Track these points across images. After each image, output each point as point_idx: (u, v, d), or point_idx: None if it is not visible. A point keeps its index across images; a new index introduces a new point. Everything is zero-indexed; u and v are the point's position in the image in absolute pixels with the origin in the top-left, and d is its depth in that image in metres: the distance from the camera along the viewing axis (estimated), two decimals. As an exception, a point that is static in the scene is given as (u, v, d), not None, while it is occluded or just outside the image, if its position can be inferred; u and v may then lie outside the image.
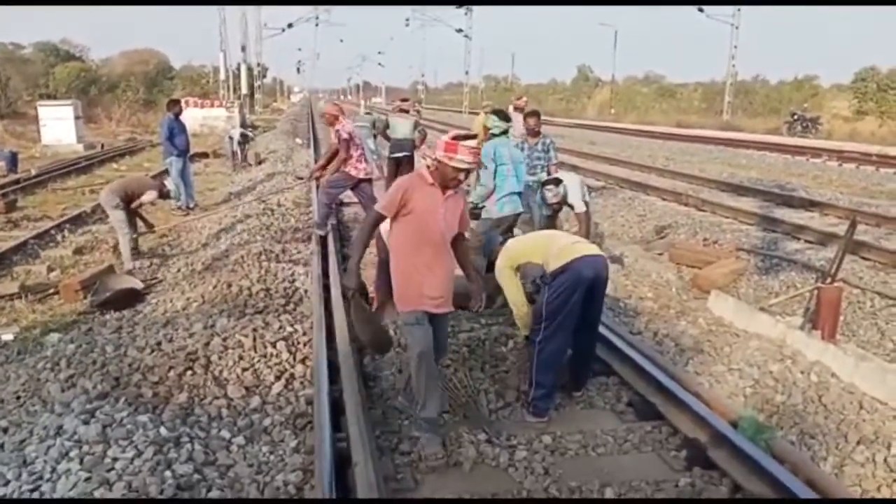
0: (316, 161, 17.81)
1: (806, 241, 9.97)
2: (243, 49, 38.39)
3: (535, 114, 8.55)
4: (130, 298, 7.18)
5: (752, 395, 4.60)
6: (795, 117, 31.80)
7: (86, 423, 3.85)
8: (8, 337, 6.10)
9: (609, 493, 3.58)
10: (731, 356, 5.05)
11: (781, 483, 3.41)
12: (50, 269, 8.38)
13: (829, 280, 7.11)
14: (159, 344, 4.89)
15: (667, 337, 5.64)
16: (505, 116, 7.33)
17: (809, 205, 12.79)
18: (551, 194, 7.05)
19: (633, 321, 6.13)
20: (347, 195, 9.34)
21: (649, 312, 6.36)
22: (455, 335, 5.45)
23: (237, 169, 17.72)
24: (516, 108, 11.95)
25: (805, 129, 30.46)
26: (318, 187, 12.72)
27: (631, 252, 9.15)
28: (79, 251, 9.28)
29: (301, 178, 15.20)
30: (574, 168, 15.73)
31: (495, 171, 6.83)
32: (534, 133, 8.40)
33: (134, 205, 8.46)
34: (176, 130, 12.00)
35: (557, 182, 7.18)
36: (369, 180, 8.55)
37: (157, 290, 7.60)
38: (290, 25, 46.89)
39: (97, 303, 7.01)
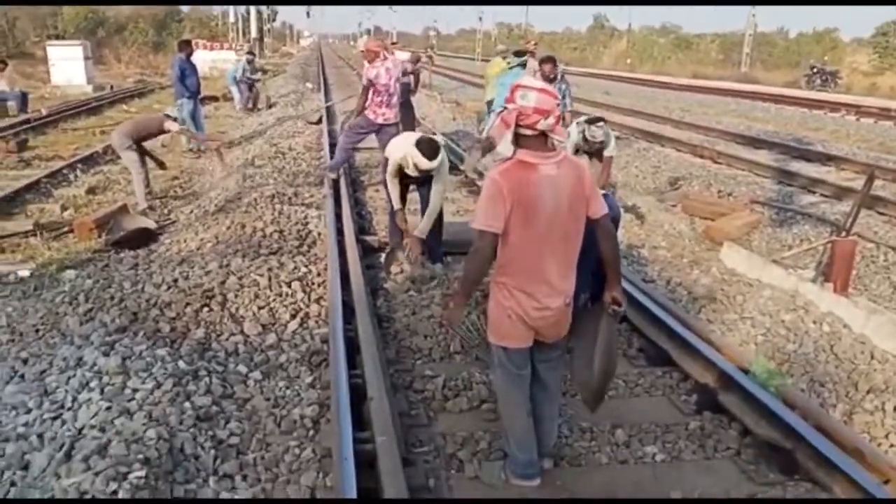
0: (328, 107, 17.78)
1: (821, 195, 9.89)
2: (253, -8, 37.69)
3: (551, 60, 8.46)
4: (144, 238, 7.21)
5: (763, 343, 4.63)
6: (815, 70, 31.23)
7: (105, 355, 3.91)
8: (24, 273, 6.15)
9: (620, 434, 3.63)
10: (743, 305, 5.06)
11: (791, 428, 3.45)
12: (63, 208, 8.41)
13: (843, 233, 7.08)
14: (176, 281, 4.93)
15: (679, 285, 5.65)
16: (520, 54, 7.79)
17: (826, 159, 12.65)
18: (601, 132, 6.96)
19: (645, 269, 6.13)
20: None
21: (662, 261, 6.36)
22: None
23: (246, 105, 17.68)
24: (526, 52, 11.89)
25: (824, 83, 29.94)
26: (330, 132, 12.70)
27: (644, 202, 9.09)
28: (91, 191, 9.30)
29: (312, 123, 15.12)
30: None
31: None
32: (548, 80, 8.34)
33: (162, 138, 8.43)
34: (187, 71, 11.87)
35: (603, 121, 7.13)
36: (394, 125, 8.45)
37: (171, 230, 7.63)
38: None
39: (111, 241, 7.05)
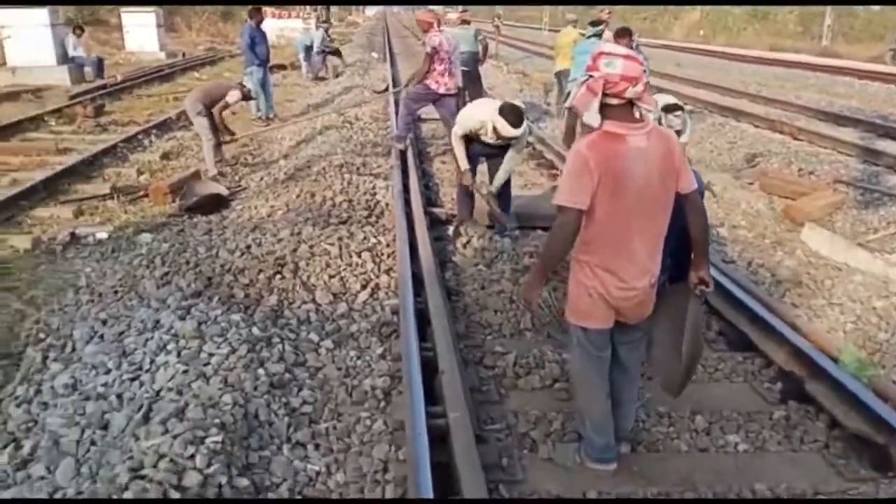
0: (394, 77, 17.72)
1: (910, 177, 9.33)
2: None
3: (627, 32, 8.22)
4: (217, 204, 7.32)
5: (853, 331, 4.39)
6: (902, 44, 29.50)
7: (182, 318, 3.97)
8: (103, 235, 6.31)
9: (699, 421, 3.50)
10: (831, 290, 4.82)
11: (884, 421, 3.26)
12: (139, 173, 8.61)
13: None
14: (249, 248, 4.97)
15: (762, 267, 5.41)
16: (596, 23, 9.01)
17: (916, 138, 11.96)
18: (679, 121, 6.71)
19: (725, 249, 5.90)
20: (427, 112, 9.20)
21: (742, 241, 6.11)
22: (538, 255, 5.37)
23: (317, 75, 17.82)
24: (600, 21, 11.60)
25: (913, 58, 28.27)
26: (397, 103, 12.63)
27: (720, 180, 8.76)
28: (165, 156, 9.48)
29: (378, 92, 15.07)
30: (658, 91, 15.07)
31: None
32: None
33: (218, 107, 8.49)
34: (257, 39, 11.92)
35: (681, 109, 6.86)
36: (454, 95, 8.33)
37: (241, 196, 7.72)
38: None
39: (185, 207, 7.17)
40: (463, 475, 2.79)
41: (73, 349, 4.05)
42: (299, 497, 2.93)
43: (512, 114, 5.28)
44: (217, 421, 3.06)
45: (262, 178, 8.40)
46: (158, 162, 9.20)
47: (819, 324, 4.48)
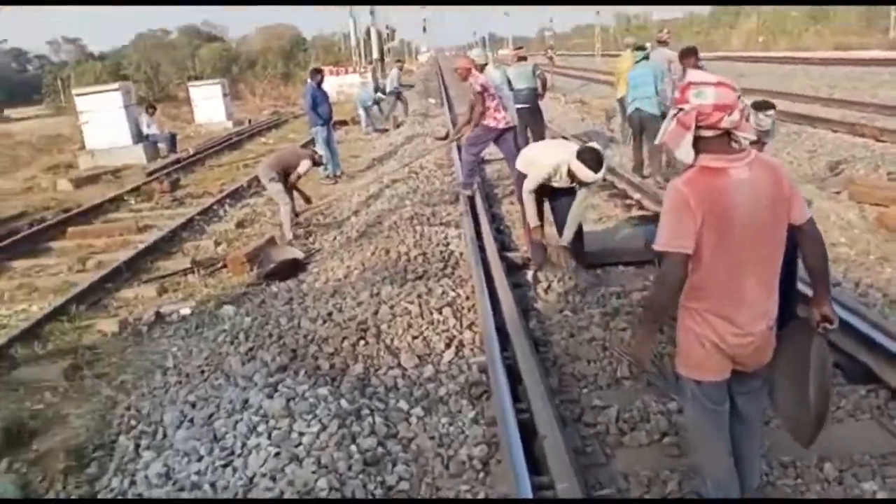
0: (454, 122, 17.81)
1: None
2: (372, 13, 38.65)
3: (693, 52, 8.03)
4: (294, 269, 7.36)
5: None
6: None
7: (269, 396, 3.91)
8: (186, 311, 6.40)
9: (828, 469, 3.19)
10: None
11: None
12: (216, 244, 8.79)
13: None
14: (330, 314, 4.92)
15: (871, 287, 5.03)
16: (641, 48, 10.21)
17: None
18: (769, 121, 6.39)
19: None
20: (489, 152, 9.15)
21: (845, 259, 5.72)
22: (628, 294, 5.14)
23: (375, 130, 18.09)
24: (659, 42, 11.46)
25: None
26: (459, 148, 12.62)
27: (804, 192, 8.32)
28: (240, 224, 9.68)
29: (440, 139, 15.14)
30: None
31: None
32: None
33: (291, 178, 8.64)
34: (319, 99, 12.16)
35: (774, 107, 6.55)
36: (511, 129, 8.27)
37: (317, 259, 7.75)
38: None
39: (263, 274, 7.23)
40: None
41: (164, 435, 4.04)
42: None
43: (592, 158, 5.10)
44: (314, 508, 2.94)
45: (335, 238, 8.43)
46: (234, 231, 9.39)
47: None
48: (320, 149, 9.00)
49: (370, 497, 3.17)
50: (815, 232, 2.71)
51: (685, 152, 2.58)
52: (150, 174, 14.09)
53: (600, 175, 5.26)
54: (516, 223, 8.01)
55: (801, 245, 2.71)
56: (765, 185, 2.56)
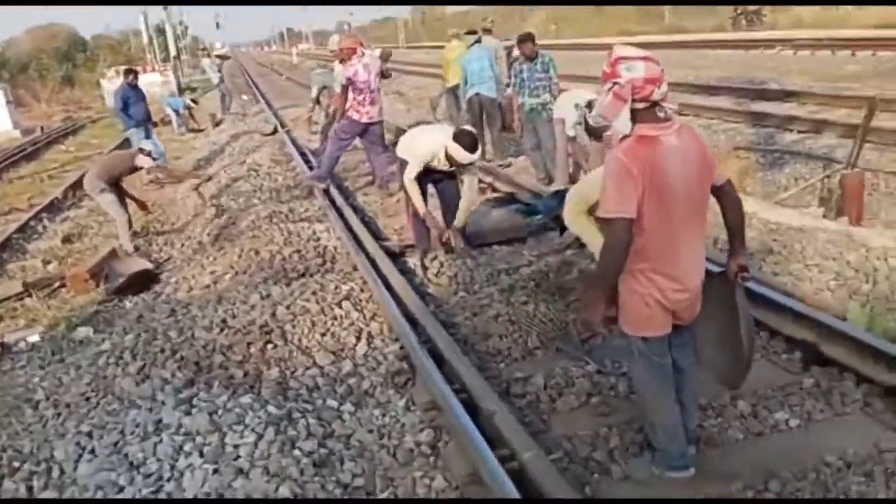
0: (277, 116, 17.31)
1: (799, 132, 9.99)
2: (165, 7, 36.45)
3: (530, 38, 8.37)
4: (145, 281, 6.84)
5: (837, 287, 4.58)
6: (739, 11, 31.93)
7: (187, 413, 3.62)
8: (35, 338, 5.74)
9: (742, 405, 3.53)
10: (803, 252, 5.02)
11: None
12: (45, 262, 7.93)
13: (849, 167, 7.16)
14: (224, 321, 4.63)
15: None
16: (471, 33, 10.59)
17: (785, 95, 12.86)
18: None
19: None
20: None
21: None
22: (517, 270, 5.33)
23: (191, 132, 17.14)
24: (484, 30, 11.82)
25: (750, 23, 30.65)
26: (292, 139, 12.31)
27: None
28: (67, 240, 8.82)
29: (268, 135, 14.69)
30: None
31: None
32: (530, 59, 8.28)
33: (132, 175, 7.99)
34: (132, 99, 11.30)
35: None
36: (379, 123, 8.21)
37: (169, 268, 7.26)
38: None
39: (113, 290, 6.66)
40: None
41: (62, 472, 3.61)
42: None
43: (468, 139, 5.23)
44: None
45: (183, 245, 7.94)
46: (62, 247, 8.52)
47: (806, 286, 4.65)
48: (146, 145, 8.32)
49: (333, 497, 3.06)
50: (733, 191, 3.00)
51: (624, 123, 2.74)
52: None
53: (476, 156, 5.41)
54: (378, 213, 8.00)
55: (721, 202, 2.98)
56: (692, 151, 2.80)
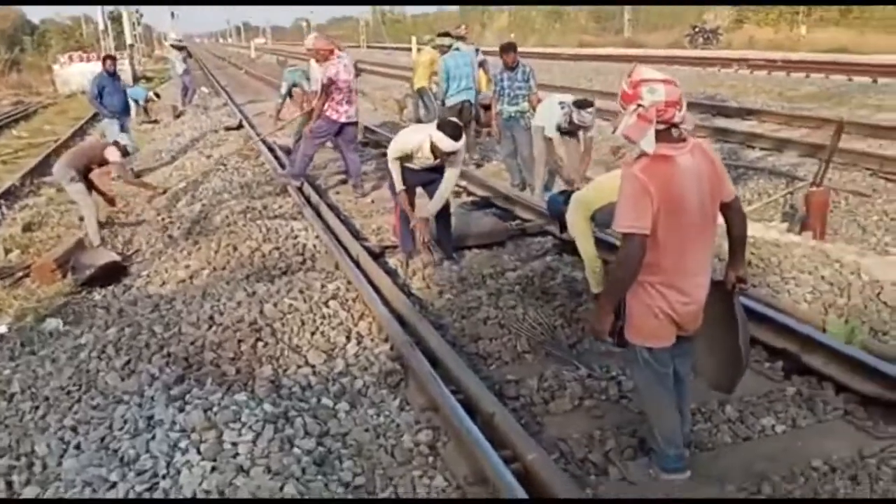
0: (241, 111, 17.07)
1: (762, 149, 10.32)
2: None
3: (513, 47, 8.41)
4: (114, 273, 6.69)
5: (813, 300, 4.76)
6: (696, 30, 32.75)
7: (181, 410, 3.57)
8: (2, 329, 5.58)
9: (730, 410, 3.65)
10: (781, 265, 5.19)
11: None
12: (6, 251, 7.68)
13: (814, 185, 7.42)
14: (212, 318, 4.56)
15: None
16: (445, 35, 10.46)
17: (746, 113, 13.27)
18: (590, 117, 7.08)
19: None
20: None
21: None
22: (503, 274, 5.38)
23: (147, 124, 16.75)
24: (458, 37, 11.85)
25: (706, 41, 31.45)
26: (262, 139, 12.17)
27: (598, 174, 9.20)
28: (27, 228, 8.54)
29: (232, 129, 14.50)
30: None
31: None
32: (511, 69, 8.34)
33: (100, 170, 7.79)
34: (108, 88, 11.01)
35: (592, 105, 7.22)
36: (355, 124, 8.19)
37: (139, 261, 7.11)
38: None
39: (82, 281, 6.50)
40: None
41: (45, 467, 3.52)
42: None
43: (452, 128, 5.28)
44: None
45: (151, 238, 7.76)
46: (22, 236, 8.26)
47: (783, 298, 4.81)
48: (123, 139, 8.13)
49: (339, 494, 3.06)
50: (740, 206, 3.12)
51: (648, 144, 2.81)
52: None
53: (461, 144, 5.38)
54: (353, 212, 7.98)
55: (727, 217, 3.08)
56: (704, 169, 2.90)
